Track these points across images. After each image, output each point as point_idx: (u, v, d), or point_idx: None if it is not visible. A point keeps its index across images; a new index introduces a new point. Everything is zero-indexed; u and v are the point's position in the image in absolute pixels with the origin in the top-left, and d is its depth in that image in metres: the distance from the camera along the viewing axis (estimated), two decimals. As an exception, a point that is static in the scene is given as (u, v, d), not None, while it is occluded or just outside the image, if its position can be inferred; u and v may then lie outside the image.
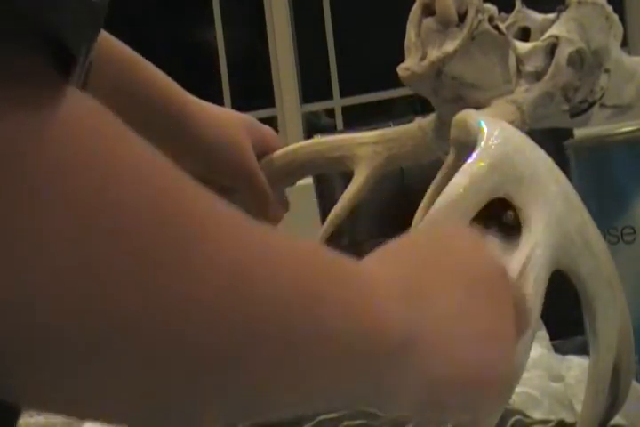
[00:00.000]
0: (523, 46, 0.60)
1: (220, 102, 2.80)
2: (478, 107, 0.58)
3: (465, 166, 0.49)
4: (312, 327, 0.33)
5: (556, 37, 0.60)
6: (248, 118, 0.73)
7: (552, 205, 0.49)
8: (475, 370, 0.41)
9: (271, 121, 2.73)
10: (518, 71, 0.60)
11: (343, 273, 0.37)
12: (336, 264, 0.37)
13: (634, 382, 0.57)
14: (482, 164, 0.49)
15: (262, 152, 0.70)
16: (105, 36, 0.58)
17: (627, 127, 0.69)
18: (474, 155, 0.49)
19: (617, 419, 0.57)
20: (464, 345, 0.41)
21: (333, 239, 0.61)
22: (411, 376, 0.38)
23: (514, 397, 0.66)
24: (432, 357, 0.39)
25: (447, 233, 0.45)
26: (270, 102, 2.71)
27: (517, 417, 0.63)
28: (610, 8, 0.61)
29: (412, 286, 0.40)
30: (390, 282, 0.39)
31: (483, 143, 0.50)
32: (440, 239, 0.44)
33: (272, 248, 0.33)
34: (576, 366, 0.71)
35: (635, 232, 0.68)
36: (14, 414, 0.46)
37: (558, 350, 0.80)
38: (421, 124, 0.63)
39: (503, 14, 0.63)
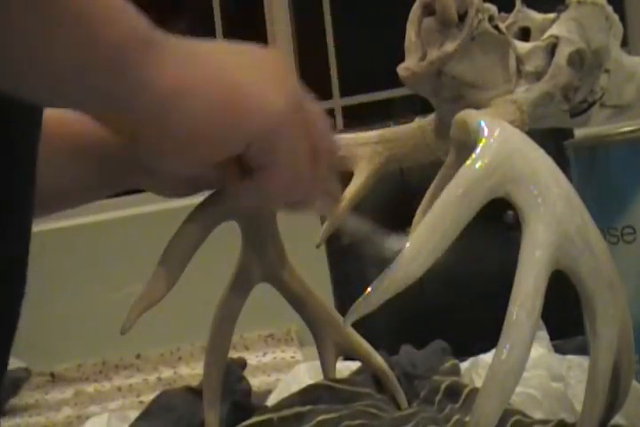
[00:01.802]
0: (523, 46, 0.60)
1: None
2: (478, 107, 0.58)
3: (465, 166, 0.49)
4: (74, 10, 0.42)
5: (556, 37, 0.60)
6: None
7: (552, 205, 0.49)
8: (229, 92, 0.47)
9: (271, 121, 2.72)
10: (518, 71, 0.60)
11: None
12: None
13: (634, 382, 0.57)
14: (482, 164, 0.49)
15: None
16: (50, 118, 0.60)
17: (627, 127, 0.69)
18: (474, 155, 0.49)
19: (617, 419, 0.57)
20: (222, 65, 0.49)
21: (333, 239, 0.61)
22: (154, 72, 0.45)
23: (514, 397, 0.66)
24: (177, 60, 0.46)
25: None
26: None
27: (517, 417, 0.63)
28: (610, 8, 0.61)
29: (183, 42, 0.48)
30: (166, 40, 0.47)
31: (483, 143, 0.50)
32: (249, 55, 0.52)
33: None
34: (576, 366, 0.71)
35: (635, 232, 0.67)
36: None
37: (558, 350, 0.80)
38: (421, 124, 0.63)
39: (503, 14, 0.63)
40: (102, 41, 0.44)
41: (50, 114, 0.60)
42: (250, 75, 0.49)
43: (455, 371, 0.77)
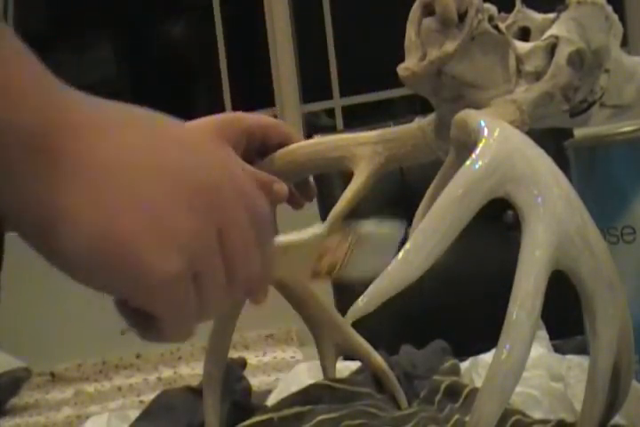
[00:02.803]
0: (523, 46, 0.60)
1: (221, 102, 2.80)
2: (478, 107, 0.58)
3: (465, 166, 0.49)
4: None
5: (556, 37, 0.60)
6: (219, 121, 0.67)
7: (552, 205, 0.49)
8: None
9: (271, 121, 2.72)
10: (518, 71, 0.59)
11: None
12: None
13: (634, 382, 0.57)
14: (481, 164, 0.49)
15: (264, 143, 0.68)
16: None
17: (627, 127, 0.69)
18: (474, 155, 0.49)
19: (617, 419, 0.57)
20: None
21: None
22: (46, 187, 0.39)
23: (514, 397, 0.66)
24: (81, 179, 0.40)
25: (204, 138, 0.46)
26: (270, 102, 2.71)
27: (517, 417, 0.63)
28: (610, 8, 0.61)
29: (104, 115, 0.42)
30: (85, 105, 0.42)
31: (483, 143, 0.50)
32: (192, 141, 0.45)
33: None
34: (576, 366, 0.71)
35: (635, 232, 0.68)
36: None
37: (558, 349, 0.80)
38: (421, 124, 0.63)
39: (503, 14, 0.63)
40: None
41: None
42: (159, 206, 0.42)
43: (455, 371, 0.77)
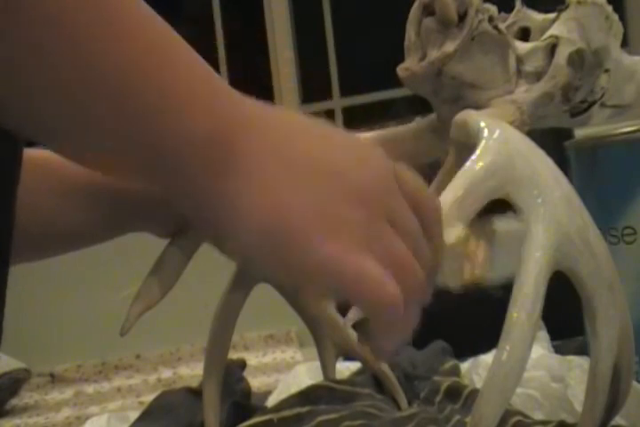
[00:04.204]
0: (523, 46, 0.60)
1: (220, 102, 2.80)
2: (478, 107, 0.57)
3: (465, 167, 0.49)
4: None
5: (556, 37, 0.60)
6: None
7: (552, 206, 0.48)
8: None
9: (271, 121, 2.72)
10: (518, 71, 0.59)
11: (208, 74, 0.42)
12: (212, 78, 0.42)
13: (634, 383, 0.56)
14: (482, 164, 0.48)
15: None
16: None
17: (627, 127, 0.69)
18: (474, 155, 0.49)
19: (617, 420, 0.57)
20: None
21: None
22: (248, 199, 0.40)
23: (514, 398, 0.66)
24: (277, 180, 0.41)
25: (367, 148, 0.46)
26: (270, 102, 2.71)
27: (518, 418, 0.63)
28: (610, 8, 0.61)
29: (275, 127, 0.43)
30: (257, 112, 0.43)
31: (483, 144, 0.50)
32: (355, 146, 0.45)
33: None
34: (576, 367, 0.71)
35: (635, 232, 0.67)
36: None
37: (559, 350, 0.80)
38: (421, 124, 0.63)
39: (503, 14, 0.62)
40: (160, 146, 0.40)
41: (36, 154, 0.59)
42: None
43: (455, 371, 0.77)
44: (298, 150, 0.43)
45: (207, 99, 0.41)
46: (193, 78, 0.41)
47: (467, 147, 0.51)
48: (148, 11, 0.41)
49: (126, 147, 0.40)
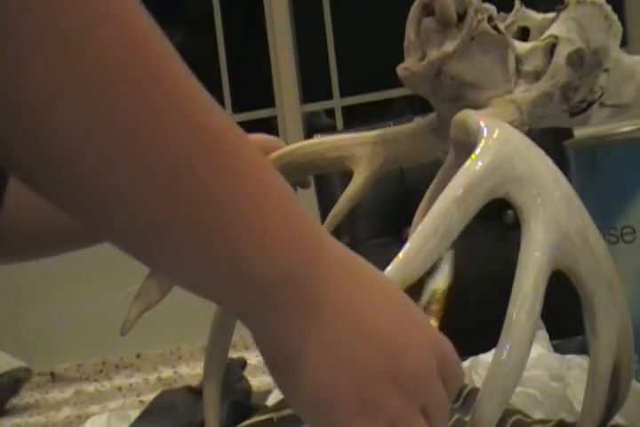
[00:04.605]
0: (522, 46, 0.60)
1: (221, 102, 2.80)
2: (477, 107, 0.57)
3: (465, 166, 0.49)
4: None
5: (556, 37, 0.60)
6: None
7: (552, 205, 0.49)
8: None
9: (271, 121, 2.73)
10: (517, 71, 0.59)
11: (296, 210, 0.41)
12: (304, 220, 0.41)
13: (634, 382, 0.56)
14: (481, 164, 0.49)
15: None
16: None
17: (627, 127, 0.69)
18: (473, 155, 0.49)
19: (617, 419, 0.57)
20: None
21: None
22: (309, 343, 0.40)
23: (514, 397, 0.66)
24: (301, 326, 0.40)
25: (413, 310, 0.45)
26: (270, 102, 2.71)
27: (517, 417, 0.63)
28: (609, 7, 0.61)
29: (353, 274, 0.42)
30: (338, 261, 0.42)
31: (482, 143, 0.50)
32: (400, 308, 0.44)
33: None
34: (576, 366, 0.71)
35: (634, 232, 0.67)
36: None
37: (558, 349, 0.80)
38: (421, 124, 0.63)
39: (503, 14, 0.63)
40: (250, 279, 0.39)
41: None
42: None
43: (455, 371, 0.76)
44: (368, 317, 0.42)
45: (294, 239, 0.40)
46: (286, 216, 0.40)
47: (466, 146, 0.51)
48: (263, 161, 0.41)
49: (209, 280, 0.40)
